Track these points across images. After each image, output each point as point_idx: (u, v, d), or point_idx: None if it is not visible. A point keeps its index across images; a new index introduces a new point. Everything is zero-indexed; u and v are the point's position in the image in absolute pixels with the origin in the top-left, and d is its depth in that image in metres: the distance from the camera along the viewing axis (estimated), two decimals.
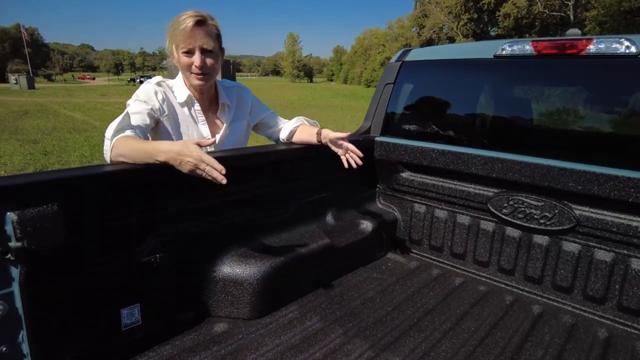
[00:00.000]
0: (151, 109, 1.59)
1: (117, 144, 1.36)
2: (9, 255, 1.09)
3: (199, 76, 1.62)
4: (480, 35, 45.34)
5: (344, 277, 2.07)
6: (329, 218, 2.19)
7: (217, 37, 1.64)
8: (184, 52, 1.58)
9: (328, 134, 1.82)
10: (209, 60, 1.61)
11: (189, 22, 1.52)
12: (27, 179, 1.15)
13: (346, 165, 1.80)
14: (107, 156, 1.40)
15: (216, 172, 1.26)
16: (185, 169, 1.30)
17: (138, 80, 65.76)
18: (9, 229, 1.09)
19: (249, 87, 2.03)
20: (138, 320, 1.45)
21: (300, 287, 1.87)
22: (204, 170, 1.27)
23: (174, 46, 1.60)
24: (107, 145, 1.40)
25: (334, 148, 1.83)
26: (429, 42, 47.75)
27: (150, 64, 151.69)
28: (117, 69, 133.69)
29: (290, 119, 2.02)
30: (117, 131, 1.39)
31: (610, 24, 27.36)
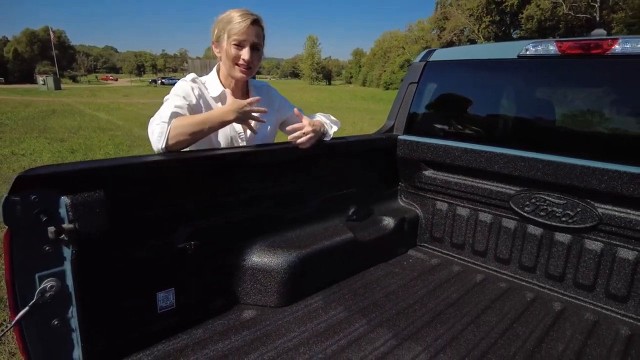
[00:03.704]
0: (188, 104, 1.68)
1: (176, 125, 1.49)
2: (63, 235, 1.18)
3: (243, 69, 1.73)
4: (502, 37, 44.69)
5: (366, 271, 2.12)
6: (353, 214, 2.24)
7: (264, 38, 1.76)
8: (235, 45, 1.68)
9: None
10: (254, 56, 1.73)
11: (247, 19, 1.65)
12: (79, 167, 1.25)
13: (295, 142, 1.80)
14: (161, 140, 1.48)
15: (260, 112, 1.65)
16: (246, 118, 1.62)
17: (160, 81, 67.15)
18: (62, 212, 1.19)
19: None
20: (172, 304, 1.54)
21: (324, 279, 1.93)
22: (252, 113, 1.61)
23: (225, 37, 1.69)
24: (161, 128, 1.48)
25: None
26: (450, 45, 47.33)
27: (171, 66, 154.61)
28: (139, 70, 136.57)
29: None
30: (172, 116, 1.51)
31: (639, 26, 26.64)
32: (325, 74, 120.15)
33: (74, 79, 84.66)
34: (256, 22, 1.70)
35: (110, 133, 11.64)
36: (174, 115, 1.55)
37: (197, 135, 1.53)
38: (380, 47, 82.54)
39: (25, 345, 1.21)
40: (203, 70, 28.64)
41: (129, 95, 32.59)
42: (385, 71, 71.45)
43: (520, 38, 42.03)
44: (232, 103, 1.60)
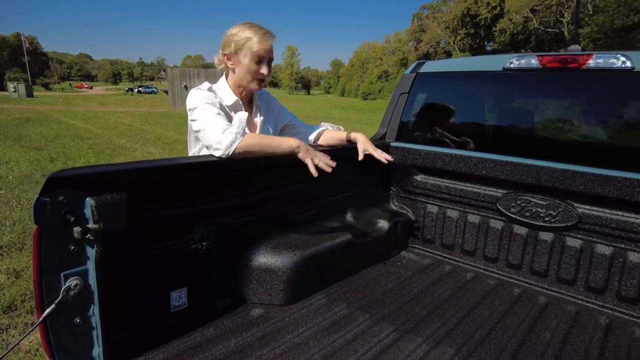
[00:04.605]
0: (218, 110, 1.76)
1: (248, 137, 1.62)
2: (89, 235, 1.24)
3: (261, 82, 1.85)
4: (476, 50, 46.12)
5: (363, 271, 2.22)
6: (349, 217, 2.35)
7: None
8: (256, 61, 1.77)
9: (364, 144, 2.13)
10: (271, 70, 1.85)
11: (270, 38, 1.78)
12: (103, 169, 1.31)
13: (385, 162, 2.14)
14: (231, 148, 1.58)
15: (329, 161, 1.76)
16: (308, 158, 1.72)
17: (136, 89, 66.21)
18: (87, 212, 1.25)
19: None
20: (185, 303, 1.60)
21: (325, 278, 2.02)
22: (321, 160, 1.73)
23: (247, 52, 1.76)
24: (233, 136, 1.59)
25: (367, 151, 2.14)
26: (426, 56, 48.50)
27: (148, 74, 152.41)
28: (115, 78, 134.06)
29: None
30: (237, 127, 1.64)
31: (603, 41, 28.05)
32: (304, 83, 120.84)
33: (46, 87, 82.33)
34: (273, 38, 1.82)
35: (90, 142, 11.43)
36: (239, 127, 1.65)
37: (266, 154, 1.69)
38: (358, 58, 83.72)
39: (49, 343, 1.26)
40: (182, 79, 28.44)
41: (106, 104, 32.02)
42: (363, 82, 72.44)
43: (494, 50, 43.53)
44: (304, 144, 1.76)
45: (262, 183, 1.88)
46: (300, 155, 1.73)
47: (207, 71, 30.02)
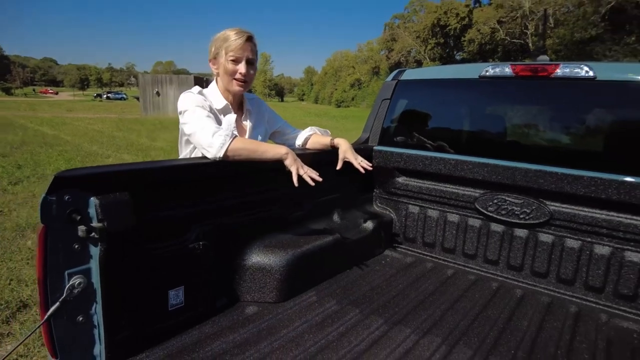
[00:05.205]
0: (208, 113, 1.81)
1: (237, 141, 1.66)
2: (93, 234, 1.27)
3: (240, 83, 1.87)
4: (446, 59, 47.46)
5: (350, 270, 2.30)
6: (336, 217, 2.43)
7: (257, 53, 1.92)
8: (232, 60, 1.82)
9: (344, 152, 2.16)
10: (250, 70, 1.88)
11: (243, 36, 1.80)
12: (106, 169, 1.35)
13: (362, 171, 2.13)
14: (222, 149, 1.63)
15: (314, 175, 1.78)
16: (294, 167, 1.75)
17: (105, 96, 64.49)
18: (91, 211, 1.28)
19: None
20: (182, 301, 1.63)
21: (315, 276, 2.09)
22: (305, 172, 1.76)
23: (223, 53, 1.83)
24: (223, 139, 1.64)
25: (347, 159, 2.16)
26: (397, 65, 49.52)
27: (117, 80, 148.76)
28: (83, 83, 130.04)
29: None
30: (226, 129, 1.68)
31: (564, 52, 29.52)
32: (278, 90, 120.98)
33: (7, 92, 79.03)
34: (250, 39, 1.85)
35: (59, 148, 11.10)
36: (227, 130, 1.70)
37: (253, 158, 1.71)
38: (331, 66, 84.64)
39: (52, 341, 1.27)
40: (154, 85, 27.97)
41: (73, 110, 31.06)
42: (336, 89, 73.23)
43: (463, 59, 44.96)
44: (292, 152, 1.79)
45: (257, 185, 1.95)
46: (287, 163, 1.76)
47: (180, 77, 29.68)
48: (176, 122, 1.89)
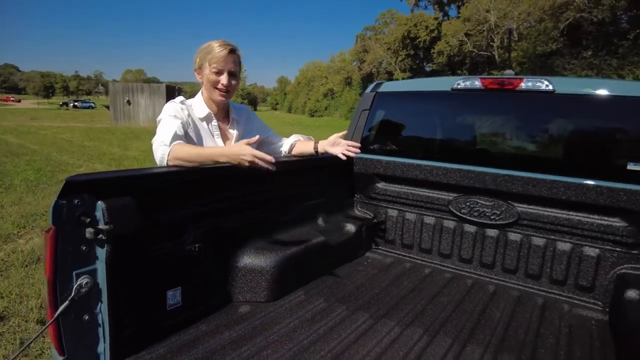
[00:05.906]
0: (181, 122, 1.89)
1: (176, 149, 1.68)
2: (101, 235, 1.34)
3: (222, 93, 1.97)
4: (416, 70, 48.71)
5: (334, 270, 2.43)
6: (320, 221, 2.56)
7: (240, 65, 2.02)
8: (214, 72, 1.92)
9: (324, 144, 2.23)
10: (232, 81, 1.97)
11: (225, 49, 1.89)
12: (112, 174, 1.43)
13: (350, 154, 2.16)
14: (164, 160, 1.70)
15: (267, 162, 1.69)
16: (244, 164, 1.69)
17: (72, 104, 62.50)
18: (98, 214, 1.36)
19: None
20: (179, 301, 1.71)
21: (303, 277, 2.20)
22: (258, 163, 1.68)
23: (206, 64, 1.92)
24: (163, 150, 1.70)
25: (332, 151, 2.20)
26: (369, 76, 50.48)
27: (84, 88, 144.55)
28: (47, 91, 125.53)
29: None
30: (172, 139, 1.71)
31: (528, 65, 30.94)
32: (251, 99, 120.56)
33: None
34: (233, 52, 1.94)
35: (26, 158, 10.75)
36: (175, 136, 1.76)
37: (196, 162, 1.72)
38: (304, 76, 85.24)
39: (59, 339, 1.33)
40: (125, 94, 27.44)
41: (38, 119, 30.01)
42: (310, 99, 73.74)
43: (433, 71, 46.27)
44: (239, 147, 1.72)
45: (248, 189, 2.05)
46: (248, 160, 1.70)
47: (151, 86, 29.16)
48: (148, 131, 1.97)
